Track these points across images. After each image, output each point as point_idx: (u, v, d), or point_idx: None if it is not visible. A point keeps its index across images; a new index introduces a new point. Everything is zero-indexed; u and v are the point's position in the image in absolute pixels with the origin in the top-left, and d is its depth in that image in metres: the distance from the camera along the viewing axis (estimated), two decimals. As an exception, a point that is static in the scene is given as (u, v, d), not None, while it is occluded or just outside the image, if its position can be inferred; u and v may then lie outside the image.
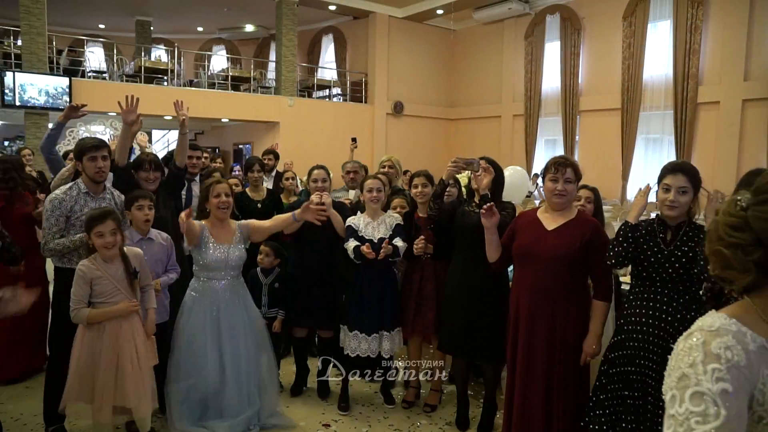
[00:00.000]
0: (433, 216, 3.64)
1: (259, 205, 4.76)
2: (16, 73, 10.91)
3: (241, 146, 16.00)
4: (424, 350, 4.10)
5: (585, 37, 13.22)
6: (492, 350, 3.39)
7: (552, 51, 13.78)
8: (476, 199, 3.48)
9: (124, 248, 3.09)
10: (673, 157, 11.32)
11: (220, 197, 3.44)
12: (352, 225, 3.77)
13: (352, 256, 3.66)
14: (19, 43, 11.57)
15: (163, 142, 17.33)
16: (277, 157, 6.43)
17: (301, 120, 13.86)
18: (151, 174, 3.82)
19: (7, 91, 10.72)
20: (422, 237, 3.66)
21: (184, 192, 4.39)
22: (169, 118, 12.78)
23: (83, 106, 3.82)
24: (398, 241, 3.64)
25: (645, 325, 2.56)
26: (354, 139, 7.47)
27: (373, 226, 3.76)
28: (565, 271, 2.83)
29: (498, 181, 3.42)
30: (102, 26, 17.10)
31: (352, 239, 3.69)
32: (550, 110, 13.98)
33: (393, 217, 3.80)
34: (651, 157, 12.18)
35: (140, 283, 3.14)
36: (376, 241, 3.67)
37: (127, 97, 3.67)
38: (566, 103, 13.43)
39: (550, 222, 2.92)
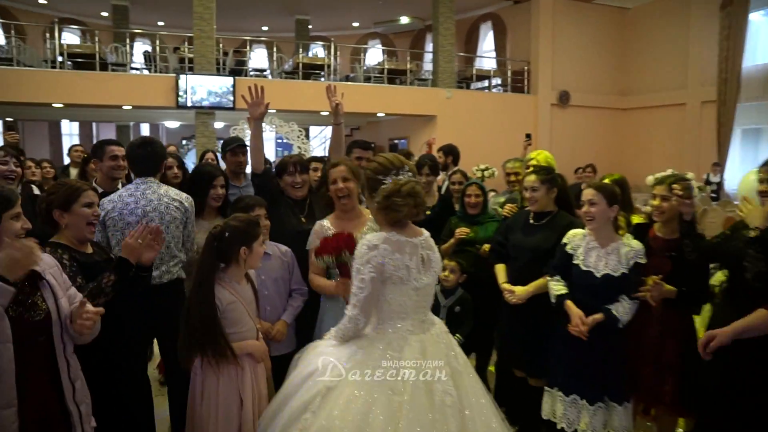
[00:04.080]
0: (691, 259, 2.66)
1: (428, 212, 4.06)
2: (189, 75, 11.45)
3: (396, 141, 15.67)
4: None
5: (803, 4, 10.98)
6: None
7: (757, 23, 11.59)
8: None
9: None
10: None
11: (337, 183, 2.88)
12: (570, 243, 2.90)
13: (552, 299, 2.86)
14: (192, 48, 12.16)
15: (320, 139, 17.55)
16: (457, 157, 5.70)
17: (459, 113, 13.15)
18: (298, 177, 3.29)
19: (181, 93, 11.26)
20: (656, 280, 2.69)
21: None
22: (326, 113, 12.72)
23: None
24: (619, 307, 2.72)
25: None
26: (528, 135, 6.61)
27: (600, 253, 2.81)
28: None
29: None
30: (265, 28, 17.73)
31: (557, 278, 2.89)
32: (753, 94, 11.85)
33: (632, 248, 2.76)
34: None
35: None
36: (599, 276, 2.76)
37: (250, 88, 3.17)
38: (775, 85, 11.26)
39: None
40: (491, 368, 3.93)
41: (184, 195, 3.06)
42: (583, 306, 2.77)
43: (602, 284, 2.73)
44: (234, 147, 4.03)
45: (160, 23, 16.58)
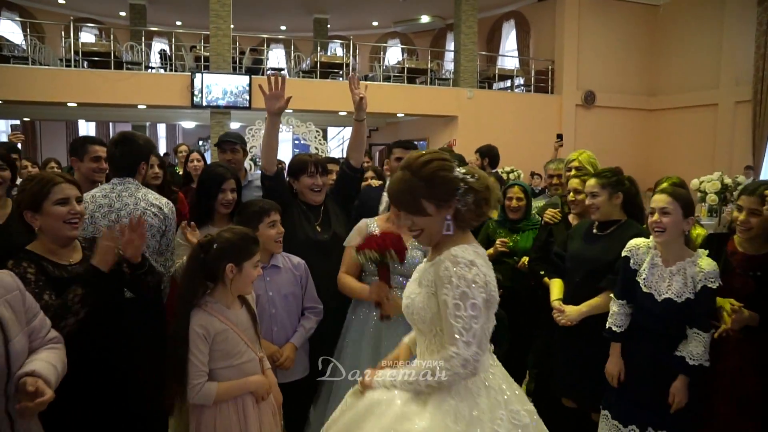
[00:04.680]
0: None
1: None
2: (204, 74, 11.20)
3: (416, 143, 15.29)
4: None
5: None
6: None
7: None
8: None
9: None
10: None
11: None
12: (633, 257, 2.49)
13: (607, 324, 2.49)
14: (208, 46, 11.93)
15: (338, 140, 17.26)
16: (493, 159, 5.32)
17: (481, 113, 12.73)
18: (319, 179, 2.92)
19: (195, 92, 11.02)
20: (735, 306, 2.23)
21: None
22: (344, 113, 12.41)
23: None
24: (693, 348, 2.30)
25: None
26: (560, 136, 6.26)
27: (663, 273, 2.39)
28: None
29: None
30: (283, 28, 17.49)
31: (623, 303, 2.50)
32: (791, 94, 11.26)
33: (702, 270, 2.32)
34: None
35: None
36: (659, 300, 2.35)
37: (269, 77, 2.81)
38: (816, 84, 10.70)
39: None
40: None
41: (164, 200, 2.73)
42: (646, 333, 2.39)
43: (663, 311, 2.33)
44: (220, 143, 3.56)
45: (178, 23, 16.43)
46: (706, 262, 2.34)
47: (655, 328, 2.38)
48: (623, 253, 2.51)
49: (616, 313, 2.49)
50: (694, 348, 2.29)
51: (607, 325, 2.50)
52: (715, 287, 2.30)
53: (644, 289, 2.39)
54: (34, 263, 1.96)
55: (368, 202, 3.18)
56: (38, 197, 1.97)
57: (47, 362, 1.54)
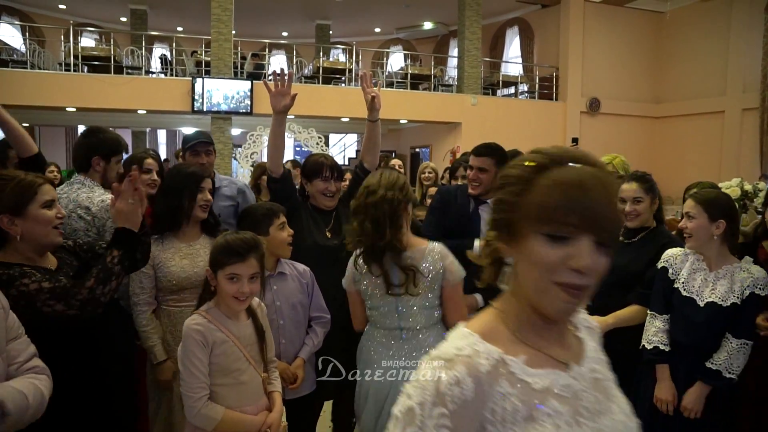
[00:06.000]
0: None
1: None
2: (204, 79, 11.07)
3: (418, 149, 15.16)
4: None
5: None
6: None
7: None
8: None
9: None
10: None
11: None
12: (670, 267, 2.33)
13: (646, 342, 2.30)
14: (209, 51, 11.81)
15: (339, 147, 17.11)
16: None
17: (484, 120, 12.59)
18: (333, 184, 2.74)
19: (196, 96, 10.88)
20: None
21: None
22: (347, 119, 12.28)
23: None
24: (723, 357, 2.16)
25: None
26: (575, 140, 6.08)
27: (707, 277, 2.24)
28: None
29: None
30: (285, 34, 17.39)
31: (665, 318, 2.31)
32: (799, 101, 11.15)
33: (751, 275, 2.19)
34: None
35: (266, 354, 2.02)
36: (702, 305, 2.20)
37: (275, 73, 2.64)
38: (825, 92, 10.58)
39: None
40: None
41: (97, 199, 2.45)
42: (682, 350, 2.22)
43: (705, 316, 2.17)
44: (194, 144, 3.12)
45: (179, 28, 16.33)
46: (756, 269, 2.20)
47: (694, 342, 2.21)
48: (660, 265, 2.36)
49: (661, 330, 2.30)
50: (724, 356, 2.14)
51: (649, 345, 2.30)
52: (764, 294, 2.16)
53: (684, 293, 2.23)
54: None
55: (454, 208, 2.88)
56: (23, 200, 1.73)
57: (16, 389, 1.35)
